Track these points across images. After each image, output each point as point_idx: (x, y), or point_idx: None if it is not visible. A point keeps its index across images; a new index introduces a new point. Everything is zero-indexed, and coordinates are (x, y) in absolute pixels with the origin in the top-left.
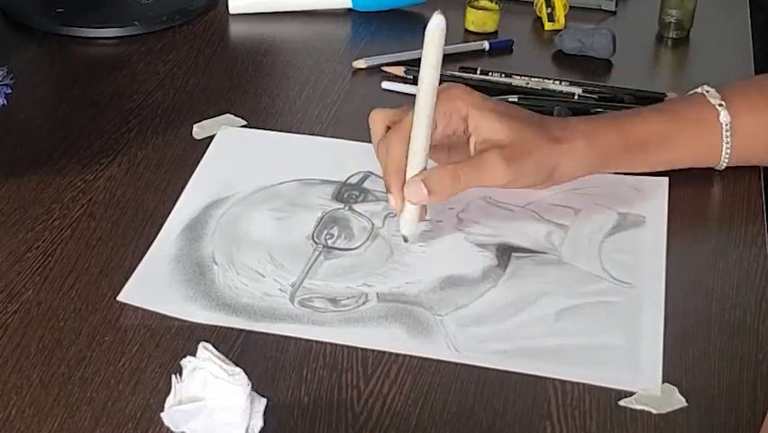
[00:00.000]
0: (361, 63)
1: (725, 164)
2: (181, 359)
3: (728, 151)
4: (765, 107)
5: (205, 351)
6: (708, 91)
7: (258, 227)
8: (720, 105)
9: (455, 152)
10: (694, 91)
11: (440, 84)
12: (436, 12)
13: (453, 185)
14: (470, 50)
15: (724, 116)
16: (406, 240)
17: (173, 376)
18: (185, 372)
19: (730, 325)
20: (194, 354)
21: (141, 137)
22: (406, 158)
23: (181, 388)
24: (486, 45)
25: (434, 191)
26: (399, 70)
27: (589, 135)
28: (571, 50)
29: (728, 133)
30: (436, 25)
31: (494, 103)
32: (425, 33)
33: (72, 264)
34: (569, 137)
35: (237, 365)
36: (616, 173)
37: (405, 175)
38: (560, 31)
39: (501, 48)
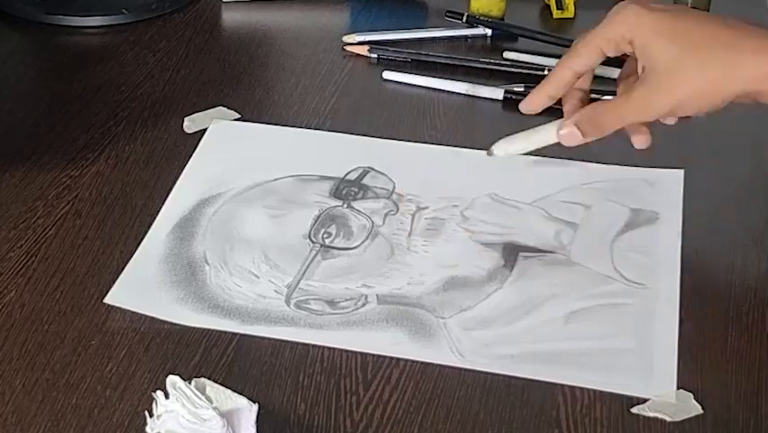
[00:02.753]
0: (352, 38)
1: None
2: (170, 365)
3: None
4: None
5: (174, 390)
6: None
7: (252, 226)
8: None
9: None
10: None
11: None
12: None
13: (614, 122)
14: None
15: None
16: (490, 153)
17: (146, 413)
18: (156, 411)
19: (748, 328)
20: (184, 359)
21: (129, 131)
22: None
23: (155, 426)
24: (488, 31)
25: (587, 130)
26: (363, 49)
27: (759, 54)
28: None
29: None
30: None
31: (666, 18)
32: None
33: (57, 265)
34: (739, 56)
35: (230, 370)
36: (626, 164)
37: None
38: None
39: (502, 35)
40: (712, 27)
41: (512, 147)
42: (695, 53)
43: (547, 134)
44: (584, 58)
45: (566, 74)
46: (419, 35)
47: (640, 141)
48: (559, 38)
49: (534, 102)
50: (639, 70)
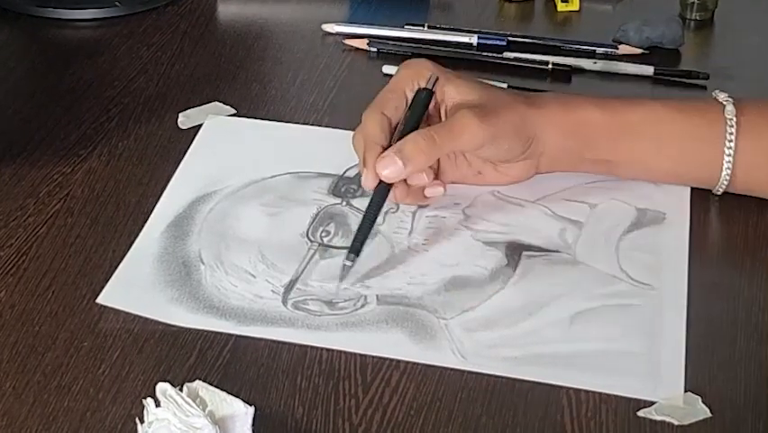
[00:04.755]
0: (330, 27)
1: (723, 186)
2: (164, 366)
3: (729, 169)
4: None
5: (165, 398)
6: (725, 100)
7: (248, 224)
8: (731, 118)
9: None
10: (712, 93)
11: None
12: None
13: (429, 148)
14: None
15: (730, 129)
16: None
17: (137, 420)
18: (147, 418)
19: (758, 329)
20: (179, 360)
21: (122, 127)
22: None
23: None
24: (474, 40)
25: (410, 158)
26: (363, 43)
27: (567, 105)
28: (639, 44)
29: (731, 149)
30: None
31: (458, 72)
32: None
33: (48, 264)
34: (544, 103)
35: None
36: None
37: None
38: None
39: (491, 46)
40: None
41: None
42: (494, 91)
43: None
44: (391, 102)
45: (380, 120)
46: (409, 35)
47: (431, 190)
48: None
49: (368, 183)
50: (443, 113)
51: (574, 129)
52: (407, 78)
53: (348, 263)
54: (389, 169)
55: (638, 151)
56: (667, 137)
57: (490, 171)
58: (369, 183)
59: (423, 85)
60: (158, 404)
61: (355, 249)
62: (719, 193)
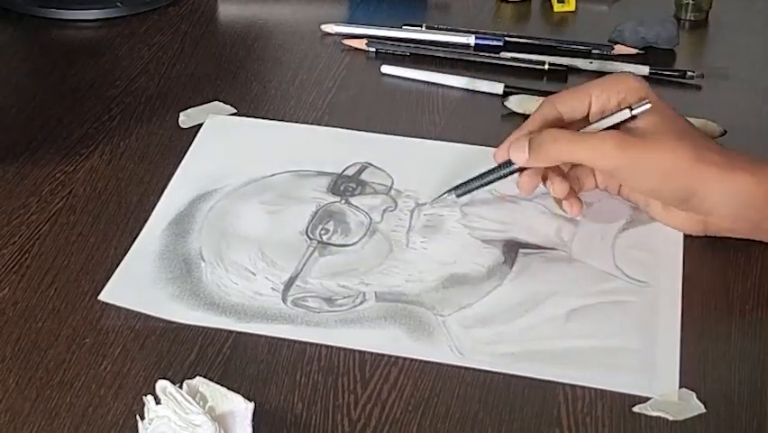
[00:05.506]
0: (329, 27)
1: None
2: (165, 363)
3: None
4: None
5: (165, 396)
6: None
7: (248, 222)
8: None
9: None
10: None
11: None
12: None
13: (559, 147)
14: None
15: None
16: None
17: (137, 417)
18: (148, 415)
19: (751, 326)
20: (180, 357)
21: (124, 126)
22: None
23: (147, 431)
24: (472, 40)
25: (535, 150)
26: (361, 43)
27: (760, 172)
28: (634, 44)
29: None
30: None
31: (667, 104)
32: None
33: (51, 261)
34: (730, 163)
35: (226, 369)
36: None
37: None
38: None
39: (488, 46)
40: (699, 132)
41: (527, 103)
42: (676, 131)
43: None
44: (571, 100)
45: (550, 111)
46: (407, 35)
47: (572, 209)
48: (544, 44)
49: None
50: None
51: (763, 200)
52: (604, 88)
53: (447, 196)
54: (516, 152)
55: None
56: None
57: (657, 209)
58: (498, 155)
59: (615, 102)
60: (158, 401)
61: (460, 191)
62: None
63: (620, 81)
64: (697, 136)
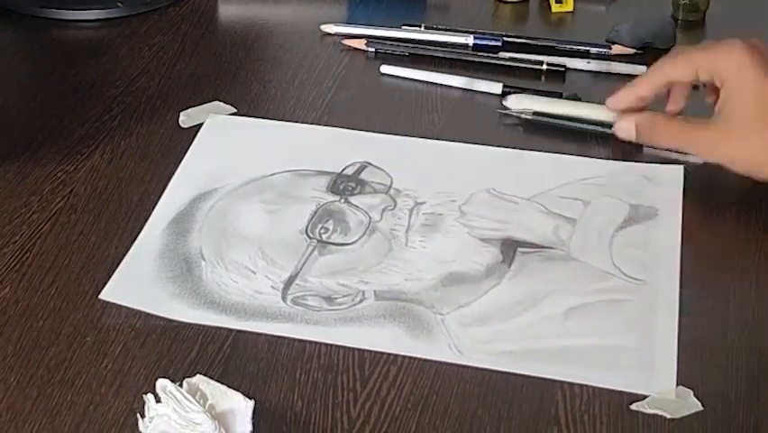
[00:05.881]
0: (329, 28)
1: None
2: (165, 361)
3: None
4: None
5: (165, 394)
6: None
7: (248, 221)
8: None
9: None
10: None
11: None
12: None
13: (663, 132)
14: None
15: None
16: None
17: (138, 415)
18: (148, 413)
19: (749, 324)
20: (180, 355)
21: (124, 126)
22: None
23: (147, 429)
24: (470, 40)
25: (641, 135)
26: (361, 43)
27: None
28: (631, 44)
29: None
30: None
31: (762, 80)
32: None
33: (52, 260)
34: None
35: (226, 367)
36: (626, 160)
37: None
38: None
39: (486, 46)
40: None
41: (526, 102)
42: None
43: (560, 105)
44: (680, 69)
45: (660, 79)
46: (406, 35)
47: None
48: (542, 44)
49: (622, 100)
50: (717, 107)
51: None
52: (711, 60)
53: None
54: (623, 134)
55: None
56: None
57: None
58: (612, 103)
59: (724, 72)
60: (158, 400)
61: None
62: None
63: (723, 62)
64: None
